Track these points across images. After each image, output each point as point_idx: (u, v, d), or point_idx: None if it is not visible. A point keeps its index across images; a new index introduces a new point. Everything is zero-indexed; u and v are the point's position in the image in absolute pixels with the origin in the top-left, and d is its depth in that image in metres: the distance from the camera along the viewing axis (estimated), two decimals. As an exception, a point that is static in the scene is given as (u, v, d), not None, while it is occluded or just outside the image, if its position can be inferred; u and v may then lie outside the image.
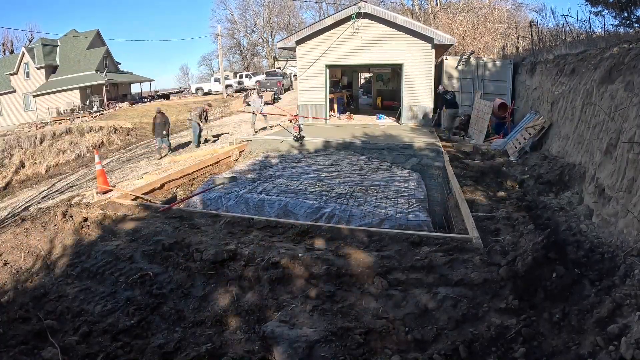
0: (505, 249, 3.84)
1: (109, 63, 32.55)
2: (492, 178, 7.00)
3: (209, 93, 33.56)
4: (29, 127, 23.17)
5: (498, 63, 12.40)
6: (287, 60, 36.81)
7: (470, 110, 12.19)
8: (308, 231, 4.48)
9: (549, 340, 2.58)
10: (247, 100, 25.37)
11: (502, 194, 6.04)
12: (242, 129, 13.90)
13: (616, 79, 5.06)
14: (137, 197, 6.42)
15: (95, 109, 26.78)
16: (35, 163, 15.61)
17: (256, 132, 12.18)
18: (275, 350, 2.60)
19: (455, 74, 12.59)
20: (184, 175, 7.78)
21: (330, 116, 14.24)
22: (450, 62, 12.66)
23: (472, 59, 12.45)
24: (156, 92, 38.94)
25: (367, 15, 12.57)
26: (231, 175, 6.58)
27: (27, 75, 30.15)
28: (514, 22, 19.50)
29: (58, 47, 31.77)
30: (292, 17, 45.18)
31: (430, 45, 12.24)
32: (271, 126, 12.94)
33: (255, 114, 12.47)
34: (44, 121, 25.03)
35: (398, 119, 13.51)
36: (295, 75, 21.97)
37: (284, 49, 15.92)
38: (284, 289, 3.41)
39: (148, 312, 3.31)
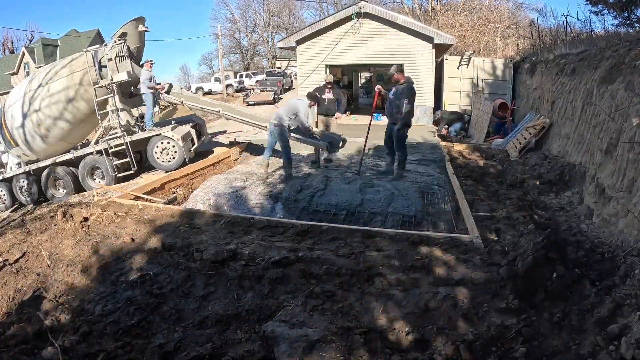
0: (506, 249, 3.84)
1: (109, 63, 32.54)
2: (493, 178, 6.99)
3: (209, 93, 33.55)
4: (29, 127, 23.18)
5: (498, 63, 12.40)
6: (289, 60, 36.79)
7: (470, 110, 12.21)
8: (308, 231, 4.48)
9: (549, 340, 2.57)
10: (247, 100, 25.37)
11: (502, 193, 6.03)
12: (243, 129, 13.89)
13: (616, 78, 5.06)
14: (137, 197, 6.42)
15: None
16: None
17: None
18: (276, 350, 2.60)
19: (455, 73, 12.59)
20: (185, 175, 7.77)
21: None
22: (451, 62, 12.66)
23: (473, 59, 12.45)
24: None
25: (367, 15, 12.58)
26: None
27: (28, 75, 30.20)
28: (515, 22, 19.50)
29: (58, 47, 31.82)
30: (292, 17, 45.18)
31: (431, 45, 12.25)
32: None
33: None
34: (44, 121, 25.03)
35: (398, 118, 13.52)
36: (296, 75, 21.96)
37: (284, 48, 15.94)
38: (284, 288, 3.41)
39: (148, 312, 3.31)
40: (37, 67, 29.60)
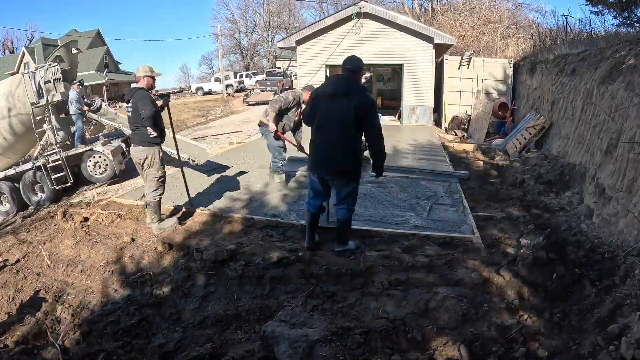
0: (506, 249, 3.84)
1: (109, 63, 32.66)
2: (493, 178, 7.00)
3: (209, 93, 33.64)
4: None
5: (498, 63, 12.40)
6: (290, 60, 36.80)
7: (470, 110, 12.21)
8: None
9: (549, 340, 2.58)
10: (247, 100, 25.36)
11: (502, 193, 6.03)
12: (244, 128, 13.91)
13: (617, 78, 5.06)
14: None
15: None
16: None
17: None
18: (276, 350, 2.60)
19: (455, 73, 12.59)
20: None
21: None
22: (451, 62, 12.66)
23: (473, 59, 12.45)
24: (157, 91, 38.98)
25: (367, 15, 12.58)
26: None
27: (28, 75, 30.17)
28: (515, 22, 19.50)
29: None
30: (292, 17, 45.22)
31: (431, 45, 12.26)
32: None
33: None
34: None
35: (399, 118, 13.53)
36: (296, 75, 21.96)
37: (284, 48, 15.94)
38: (284, 288, 3.41)
39: (148, 312, 3.31)
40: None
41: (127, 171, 8.21)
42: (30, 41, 36.94)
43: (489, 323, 2.76)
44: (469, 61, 12.33)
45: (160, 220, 4.79)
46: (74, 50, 8.56)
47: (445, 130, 12.50)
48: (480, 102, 11.64)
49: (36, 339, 3.11)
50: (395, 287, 3.28)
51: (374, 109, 3.47)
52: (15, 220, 6.98)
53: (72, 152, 7.85)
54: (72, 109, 8.21)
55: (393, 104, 16.11)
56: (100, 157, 7.80)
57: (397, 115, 13.90)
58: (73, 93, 8.27)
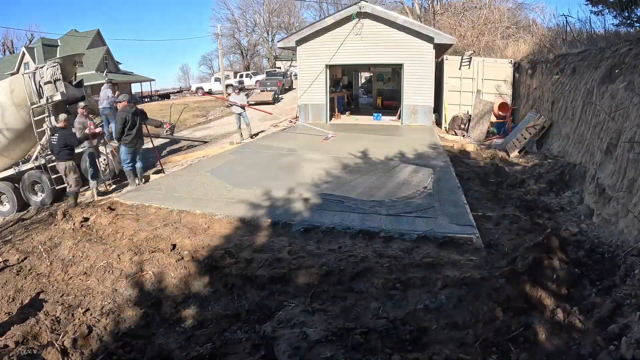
0: (506, 249, 3.84)
1: (109, 63, 32.63)
2: (493, 177, 6.99)
3: (209, 92, 33.61)
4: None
5: (498, 63, 12.39)
6: (291, 60, 36.81)
7: (470, 110, 12.21)
8: (308, 230, 4.48)
9: (550, 340, 2.57)
10: (247, 100, 25.32)
11: (502, 193, 6.03)
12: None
13: (617, 78, 5.06)
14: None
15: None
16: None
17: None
18: (276, 350, 2.60)
19: (456, 73, 12.58)
20: (184, 175, 7.79)
21: (331, 116, 14.24)
22: (451, 62, 12.65)
23: (473, 59, 12.43)
24: (157, 91, 39.03)
25: (367, 15, 12.56)
26: None
27: (28, 75, 30.14)
28: (515, 22, 19.49)
29: (58, 47, 31.80)
30: (292, 17, 45.22)
31: (431, 45, 12.23)
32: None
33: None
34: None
35: (399, 118, 13.51)
36: (296, 75, 21.96)
37: (284, 48, 15.92)
38: (284, 288, 3.41)
39: (148, 312, 3.31)
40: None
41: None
42: (30, 41, 36.92)
43: (489, 323, 2.76)
44: (469, 61, 12.31)
45: None
46: (77, 65, 8.72)
47: (446, 130, 12.49)
48: (480, 102, 11.62)
49: (36, 339, 3.10)
50: (395, 287, 3.28)
51: None
52: (16, 221, 6.98)
53: None
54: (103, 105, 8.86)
55: (393, 104, 16.09)
56: (100, 156, 7.83)
57: (397, 115, 13.88)
58: (109, 91, 8.95)
